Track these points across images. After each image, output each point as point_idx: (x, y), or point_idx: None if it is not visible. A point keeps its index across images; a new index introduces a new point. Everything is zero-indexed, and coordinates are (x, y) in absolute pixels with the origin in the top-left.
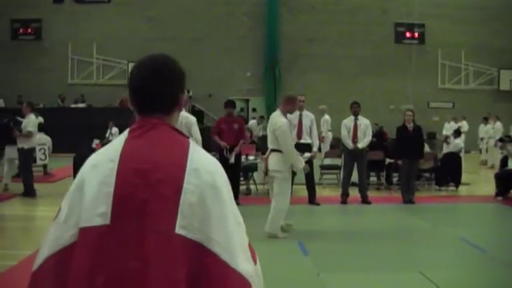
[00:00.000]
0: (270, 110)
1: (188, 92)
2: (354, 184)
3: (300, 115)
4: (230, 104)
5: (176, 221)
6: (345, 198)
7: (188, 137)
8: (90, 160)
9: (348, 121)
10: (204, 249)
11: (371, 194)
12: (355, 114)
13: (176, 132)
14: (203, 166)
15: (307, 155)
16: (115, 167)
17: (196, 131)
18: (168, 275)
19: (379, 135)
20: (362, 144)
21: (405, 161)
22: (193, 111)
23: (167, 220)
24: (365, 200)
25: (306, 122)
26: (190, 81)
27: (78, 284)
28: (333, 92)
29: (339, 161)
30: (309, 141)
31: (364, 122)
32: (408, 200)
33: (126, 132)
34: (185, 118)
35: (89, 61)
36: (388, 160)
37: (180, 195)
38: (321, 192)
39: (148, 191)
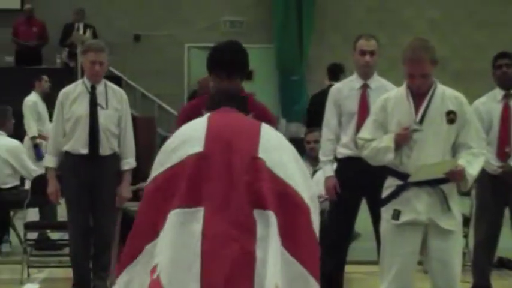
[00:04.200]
0: (287, 74)
1: (89, 28)
2: (503, 264)
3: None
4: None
5: (258, 149)
6: None
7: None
8: (184, 126)
9: (488, 103)
10: (279, 178)
11: None
12: (505, 85)
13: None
14: (273, 131)
15: None
16: (205, 121)
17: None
18: (254, 185)
19: None
20: None
21: None
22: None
23: (250, 148)
24: None
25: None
26: (93, 12)
27: (180, 196)
28: (441, 32)
29: (465, 206)
30: None
31: None
32: None
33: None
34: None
35: None
36: None
37: (259, 138)
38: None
39: (234, 133)
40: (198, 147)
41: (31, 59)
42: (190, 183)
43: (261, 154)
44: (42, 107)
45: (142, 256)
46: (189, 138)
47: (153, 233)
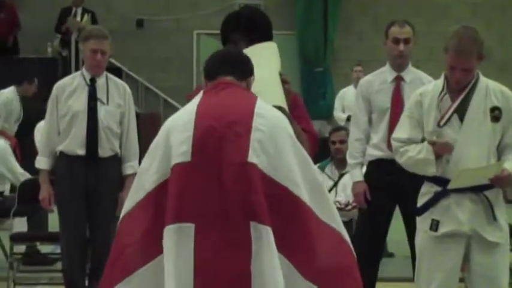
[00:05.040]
0: (310, 65)
1: (88, 13)
2: None
3: None
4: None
5: (248, 153)
6: None
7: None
8: (172, 117)
9: None
10: (273, 181)
11: None
12: None
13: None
14: (269, 113)
15: None
16: (193, 116)
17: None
18: (246, 196)
19: None
20: None
21: None
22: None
23: (240, 153)
24: None
25: None
26: None
27: (170, 211)
28: (485, 17)
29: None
30: None
31: None
32: None
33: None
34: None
35: None
36: None
37: (251, 133)
38: None
39: (223, 131)
40: (185, 155)
41: (4, 48)
42: (179, 197)
43: (252, 155)
44: (17, 107)
45: (142, 270)
46: (177, 138)
47: (155, 246)
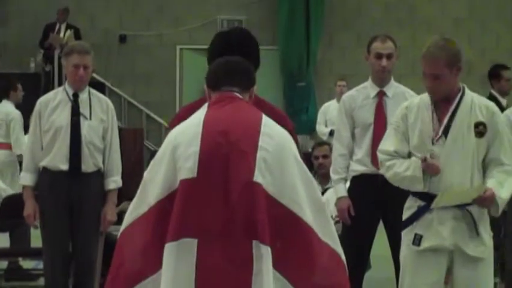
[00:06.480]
0: (293, 80)
1: (70, 29)
2: None
3: None
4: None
5: (254, 172)
6: None
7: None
8: (178, 128)
9: None
10: (276, 202)
11: None
12: None
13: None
14: (275, 132)
15: None
16: (200, 130)
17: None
18: (250, 215)
19: None
20: None
21: None
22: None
23: (246, 171)
24: None
25: None
26: (74, 10)
27: (173, 227)
28: (468, 32)
29: None
30: None
31: None
32: None
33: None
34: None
35: None
36: None
37: (257, 151)
38: None
39: (229, 148)
40: (191, 171)
41: None
42: (183, 213)
43: (257, 175)
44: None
45: (144, 283)
46: (183, 152)
47: (156, 261)
